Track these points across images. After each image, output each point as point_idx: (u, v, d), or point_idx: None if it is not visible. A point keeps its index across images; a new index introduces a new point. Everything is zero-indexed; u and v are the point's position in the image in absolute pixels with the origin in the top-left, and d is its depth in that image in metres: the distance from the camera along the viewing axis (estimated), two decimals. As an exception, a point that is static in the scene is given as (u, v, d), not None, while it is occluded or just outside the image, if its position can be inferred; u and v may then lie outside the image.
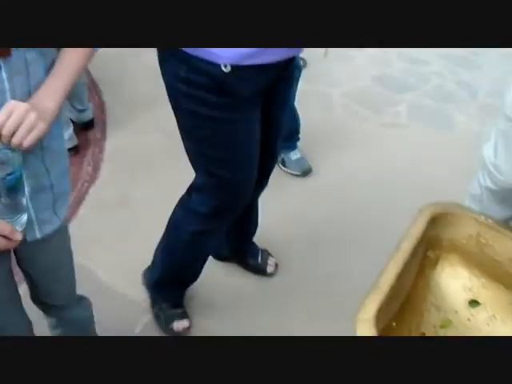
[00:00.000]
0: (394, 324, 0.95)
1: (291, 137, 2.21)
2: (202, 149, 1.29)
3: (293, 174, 2.26)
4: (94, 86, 2.77)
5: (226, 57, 1.10)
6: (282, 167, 2.26)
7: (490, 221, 1.02)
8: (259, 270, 1.78)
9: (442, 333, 1.01)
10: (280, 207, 2.07)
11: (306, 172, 2.27)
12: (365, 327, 0.80)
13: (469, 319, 1.03)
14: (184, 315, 1.63)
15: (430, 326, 1.01)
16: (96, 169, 2.32)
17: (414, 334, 0.98)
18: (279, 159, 2.22)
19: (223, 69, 1.11)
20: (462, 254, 1.05)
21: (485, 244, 1.02)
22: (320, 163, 2.36)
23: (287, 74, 1.32)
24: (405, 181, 2.23)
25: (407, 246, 0.92)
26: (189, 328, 1.62)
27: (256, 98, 1.22)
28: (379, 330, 0.85)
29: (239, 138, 1.26)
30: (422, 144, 2.52)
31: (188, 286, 1.64)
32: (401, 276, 0.89)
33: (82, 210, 2.08)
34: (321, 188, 2.22)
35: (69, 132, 2.23)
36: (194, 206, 1.43)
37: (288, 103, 1.42)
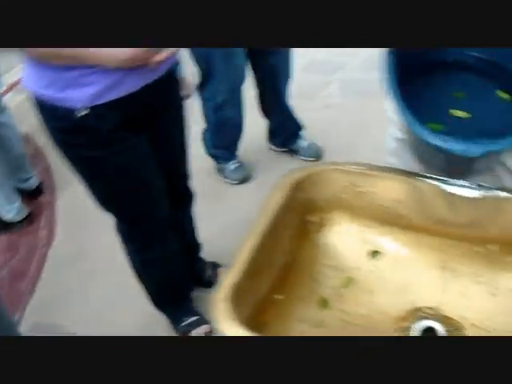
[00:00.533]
0: (280, 296, 0.93)
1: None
2: (94, 188, 1.32)
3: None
4: (38, 152, 2.80)
5: (76, 100, 1.13)
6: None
7: (359, 168, 1.01)
8: (209, 283, 1.78)
9: (345, 292, 1.00)
10: (225, 216, 2.07)
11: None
12: (221, 307, 0.79)
13: (371, 271, 1.02)
14: (200, 321, 1.65)
15: (329, 289, 1.00)
16: (51, 231, 2.33)
17: (309, 302, 0.97)
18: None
19: (77, 114, 1.14)
20: (345, 210, 1.04)
21: (364, 192, 1.01)
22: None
23: (171, 97, 1.34)
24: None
25: (263, 219, 0.91)
26: (210, 332, 1.63)
27: (125, 131, 1.23)
28: (250, 306, 0.84)
29: (122, 170, 1.29)
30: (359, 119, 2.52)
31: (183, 297, 1.68)
32: (263, 249, 0.88)
33: (45, 274, 2.10)
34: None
35: (17, 204, 2.26)
36: (123, 238, 1.49)
37: (184, 126, 1.44)
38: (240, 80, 2.03)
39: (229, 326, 0.79)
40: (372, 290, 1.00)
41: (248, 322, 0.81)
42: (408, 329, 0.94)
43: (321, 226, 1.05)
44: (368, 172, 1.00)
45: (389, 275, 1.01)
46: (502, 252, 0.96)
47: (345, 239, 1.04)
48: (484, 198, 0.92)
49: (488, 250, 0.97)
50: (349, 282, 1.01)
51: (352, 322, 0.96)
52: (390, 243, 1.02)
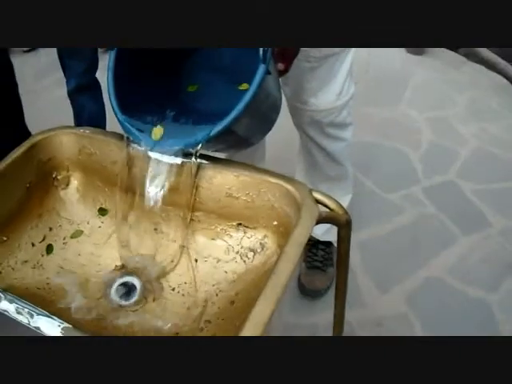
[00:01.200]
0: (5, 238, 1.07)
1: None
2: None
3: None
4: None
5: None
6: None
7: (88, 131, 1.11)
8: None
9: (72, 243, 1.13)
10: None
11: None
12: None
13: (100, 226, 1.14)
14: None
15: (60, 238, 1.12)
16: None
17: (36, 247, 1.10)
18: None
19: None
20: (83, 170, 1.17)
21: (91, 154, 1.12)
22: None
23: None
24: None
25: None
26: None
27: None
28: None
29: None
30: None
31: None
32: None
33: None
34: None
35: None
36: None
37: None
38: None
39: None
40: (96, 243, 1.13)
41: None
42: (113, 281, 1.07)
43: (64, 183, 1.17)
44: (92, 135, 1.10)
45: (111, 230, 1.13)
46: (203, 219, 1.06)
47: (81, 196, 1.17)
48: (183, 165, 1.01)
49: (192, 216, 1.07)
50: (79, 234, 1.14)
51: (68, 270, 1.09)
52: (116, 204, 1.12)
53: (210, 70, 1.17)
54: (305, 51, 1.42)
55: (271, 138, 1.79)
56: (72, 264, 1.11)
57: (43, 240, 1.12)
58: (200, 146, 0.97)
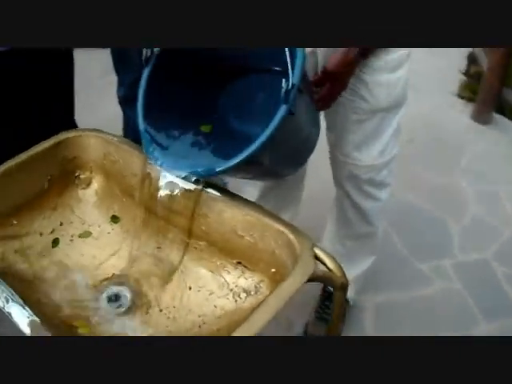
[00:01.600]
0: (15, 222, 1.11)
1: None
2: None
3: None
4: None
5: None
6: None
7: (115, 139, 1.14)
8: None
9: (79, 241, 1.15)
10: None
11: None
12: None
13: (109, 232, 1.17)
14: None
15: (68, 234, 1.15)
16: None
17: (45, 237, 1.13)
18: None
19: None
20: (105, 175, 1.20)
21: (115, 161, 1.15)
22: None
23: None
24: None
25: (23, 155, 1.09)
26: None
27: None
28: None
29: None
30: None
31: None
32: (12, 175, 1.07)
33: None
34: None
35: None
36: None
37: None
38: None
39: None
40: (101, 248, 1.15)
41: None
42: (106, 287, 1.08)
43: (85, 183, 1.20)
44: (118, 144, 1.14)
45: (118, 239, 1.15)
46: (205, 250, 1.07)
47: (98, 200, 1.20)
48: (195, 191, 1.02)
49: (195, 244, 1.08)
50: (88, 235, 1.17)
51: (68, 266, 1.12)
52: (127, 213, 1.14)
53: (242, 99, 1.18)
54: (353, 102, 1.43)
55: (309, 184, 1.81)
56: (73, 262, 1.13)
57: (52, 232, 1.15)
58: (202, 177, 0.99)
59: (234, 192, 1.05)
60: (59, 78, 1.55)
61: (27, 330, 0.80)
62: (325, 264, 0.93)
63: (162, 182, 1.03)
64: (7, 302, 0.84)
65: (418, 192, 2.50)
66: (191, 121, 1.12)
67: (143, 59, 1.02)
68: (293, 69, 0.92)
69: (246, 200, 1.02)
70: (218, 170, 0.97)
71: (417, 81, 2.56)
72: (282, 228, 0.96)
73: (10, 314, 0.82)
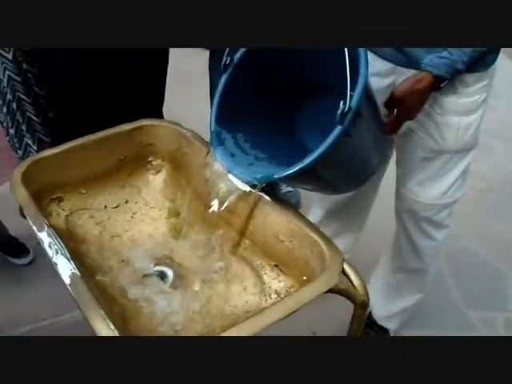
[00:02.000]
0: (84, 191, 1.25)
1: None
2: None
3: None
4: None
5: None
6: None
7: (189, 134, 1.27)
8: None
9: (139, 219, 1.29)
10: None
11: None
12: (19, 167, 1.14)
13: (166, 217, 1.29)
14: None
15: (130, 211, 1.30)
16: None
17: (108, 210, 1.27)
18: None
19: None
20: (175, 165, 1.32)
21: (185, 153, 1.28)
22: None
23: None
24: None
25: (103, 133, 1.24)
26: None
27: None
28: (49, 181, 1.19)
29: None
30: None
31: None
32: (89, 150, 1.22)
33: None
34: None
35: None
36: None
37: None
38: None
39: (19, 190, 1.10)
40: (157, 229, 1.28)
41: (40, 193, 1.15)
42: (154, 263, 1.21)
43: (156, 169, 1.33)
44: (191, 138, 1.26)
45: (175, 226, 1.27)
46: (248, 248, 1.17)
47: (164, 187, 1.33)
48: (252, 195, 1.12)
49: (242, 243, 1.18)
50: (147, 215, 1.29)
51: (124, 239, 1.25)
52: (187, 203, 1.26)
53: (316, 115, 1.24)
54: (423, 139, 1.47)
55: (374, 214, 1.87)
56: (129, 236, 1.26)
57: (116, 207, 1.28)
58: (261, 183, 1.08)
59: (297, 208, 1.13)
60: (152, 73, 1.71)
61: (67, 281, 0.91)
62: (350, 279, 1.00)
63: (223, 183, 1.13)
64: (56, 253, 0.95)
65: (484, 241, 2.49)
66: (259, 129, 1.21)
67: (221, 66, 1.12)
68: (352, 92, 0.98)
69: (292, 208, 1.11)
70: (275, 177, 1.06)
71: (503, 130, 2.58)
72: (318, 239, 1.03)
73: (56, 264, 0.94)
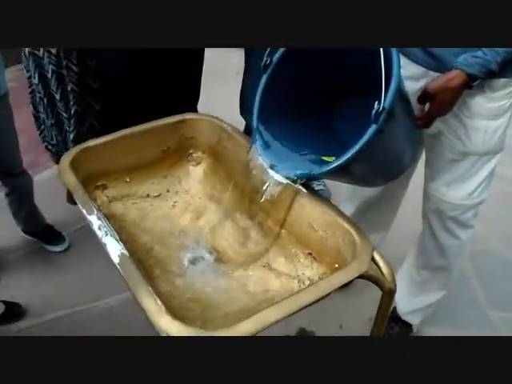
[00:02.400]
0: (128, 179, 1.35)
1: None
2: None
3: None
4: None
5: None
6: None
7: (230, 128, 1.36)
8: None
9: (180, 208, 1.39)
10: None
11: None
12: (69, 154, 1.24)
13: (206, 205, 1.40)
14: None
15: (171, 200, 1.40)
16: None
17: (151, 198, 1.37)
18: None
19: None
20: (215, 158, 1.41)
21: (225, 147, 1.37)
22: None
23: None
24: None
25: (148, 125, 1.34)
26: None
27: None
28: (96, 169, 1.29)
29: None
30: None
31: None
32: (135, 139, 1.31)
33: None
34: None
35: None
36: None
37: None
38: None
39: (68, 176, 1.19)
40: (197, 218, 1.38)
41: (86, 180, 1.23)
42: (193, 249, 1.30)
43: (196, 161, 1.43)
44: (231, 132, 1.35)
45: (214, 212, 1.37)
46: (285, 237, 1.26)
47: (204, 178, 1.43)
48: (292, 188, 1.20)
49: (279, 232, 1.27)
50: (188, 204, 1.39)
51: (164, 224, 1.34)
52: (225, 193, 1.35)
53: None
54: (451, 141, 1.55)
55: (402, 211, 1.94)
56: (169, 221, 1.36)
57: (158, 196, 1.38)
58: (301, 179, 1.17)
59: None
60: (187, 72, 1.85)
61: (116, 260, 0.98)
62: (379, 267, 1.08)
63: (265, 177, 1.22)
64: (106, 235, 1.04)
65: (508, 243, 2.55)
66: (298, 126, 1.30)
67: (262, 66, 1.21)
68: (386, 93, 1.05)
69: (326, 200, 1.19)
70: (314, 173, 1.16)
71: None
72: (350, 229, 1.12)
73: (105, 244, 1.03)
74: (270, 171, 1.21)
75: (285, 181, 1.20)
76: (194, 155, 1.42)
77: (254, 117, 1.23)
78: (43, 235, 2.32)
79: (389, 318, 2.07)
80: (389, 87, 1.04)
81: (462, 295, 2.20)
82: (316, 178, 1.21)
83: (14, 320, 2.02)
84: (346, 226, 1.13)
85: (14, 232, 2.32)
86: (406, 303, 1.98)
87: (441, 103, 1.33)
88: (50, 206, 2.33)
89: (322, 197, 1.21)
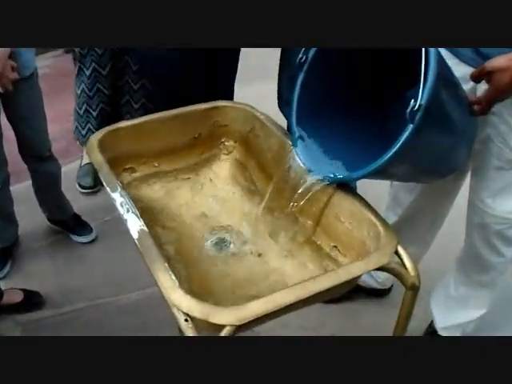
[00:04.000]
0: (156, 164, 1.47)
1: None
2: None
3: None
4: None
5: None
6: None
7: (263, 117, 1.46)
8: None
9: (209, 193, 1.50)
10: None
11: None
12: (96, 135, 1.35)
13: (234, 193, 1.51)
14: None
15: (199, 184, 1.52)
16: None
17: (179, 180, 1.48)
18: None
19: None
20: (246, 147, 1.52)
21: (258, 136, 1.47)
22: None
23: None
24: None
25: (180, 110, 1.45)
26: None
27: None
28: (125, 152, 1.40)
29: None
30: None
31: None
32: (165, 124, 1.43)
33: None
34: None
35: None
36: None
37: None
38: None
39: (95, 153, 1.30)
40: (226, 202, 1.49)
41: (114, 161, 1.33)
42: (218, 234, 1.41)
43: (228, 150, 1.54)
44: (264, 121, 1.44)
45: (240, 200, 1.48)
46: (311, 228, 1.35)
47: (234, 166, 1.53)
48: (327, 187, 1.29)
49: (305, 222, 1.36)
50: (216, 190, 1.50)
51: (189, 208, 1.46)
52: (254, 182, 1.46)
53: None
54: (500, 148, 1.57)
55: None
56: (194, 205, 1.47)
57: (186, 182, 1.49)
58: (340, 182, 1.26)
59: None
60: (224, 67, 2.06)
61: (135, 236, 1.07)
62: (402, 261, 1.16)
63: (304, 178, 1.30)
64: (127, 211, 1.14)
65: None
66: (335, 127, 1.37)
67: (297, 63, 1.30)
68: (423, 90, 1.09)
69: (353, 191, 1.28)
70: (353, 177, 1.25)
71: None
72: (375, 221, 1.20)
73: (126, 220, 1.12)
74: (309, 173, 1.30)
75: (322, 183, 1.28)
76: (227, 144, 1.53)
77: (293, 120, 1.31)
78: (70, 225, 2.44)
79: (426, 331, 2.12)
80: (425, 85, 1.09)
81: (507, 314, 2.22)
82: (353, 180, 1.29)
83: (34, 309, 2.13)
84: (372, 217, 1.21)
85: (40, 220, 2.45)
86: (443, 318, 2.03)
87: (499, 84, 1.29)
88: (78, 196, 2.47)
89: (349, 188, 1.29)
